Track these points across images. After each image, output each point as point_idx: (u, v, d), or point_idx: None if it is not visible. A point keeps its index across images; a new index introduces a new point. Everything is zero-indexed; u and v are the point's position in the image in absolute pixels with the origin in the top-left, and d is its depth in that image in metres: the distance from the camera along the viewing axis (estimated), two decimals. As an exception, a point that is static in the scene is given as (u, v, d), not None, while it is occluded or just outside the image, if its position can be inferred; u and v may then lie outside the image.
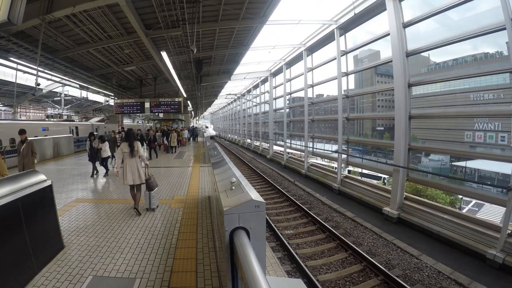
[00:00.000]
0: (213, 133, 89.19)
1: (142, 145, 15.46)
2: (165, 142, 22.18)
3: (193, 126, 45.84)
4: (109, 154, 13.48)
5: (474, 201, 27.52)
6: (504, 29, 9.44)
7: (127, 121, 52.37)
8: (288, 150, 30.76)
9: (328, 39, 20.51)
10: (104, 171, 13.07)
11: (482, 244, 9.82)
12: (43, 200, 4.78)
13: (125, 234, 5.91)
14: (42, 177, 4.86)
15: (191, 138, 34.99)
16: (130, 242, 5.55)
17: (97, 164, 12.97)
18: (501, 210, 10.93)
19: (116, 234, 5.93)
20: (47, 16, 10.06)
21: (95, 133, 23.35)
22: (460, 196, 25.74)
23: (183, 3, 11.07)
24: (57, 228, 5.13)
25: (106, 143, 13.13)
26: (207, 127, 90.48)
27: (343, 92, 19.11)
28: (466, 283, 8.04)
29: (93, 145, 12.93)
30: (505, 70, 9.94)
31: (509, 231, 9.26)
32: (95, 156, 12.78)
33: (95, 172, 12.80)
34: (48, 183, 4.91)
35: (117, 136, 16.58)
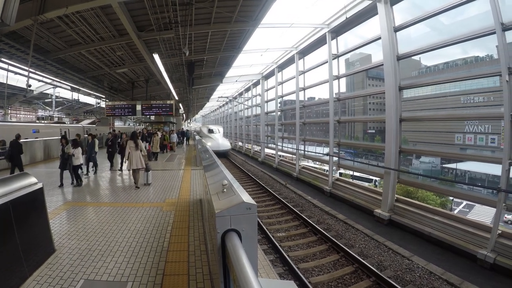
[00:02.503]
0: (226, 145, 39.03)
1: (114, 152, 15.30)
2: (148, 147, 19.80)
3: (182, 128, 44.25)
4: (82, 161, 11.71)
5: (464, 202, 27.89)
6: (494, 33, 9.60)
7: (118, 124, 51.66)
8: (279, 153, 30.82)
9: (320, 42, 20.64)
10: (78, 180, 11.13)
11: (473, 244, 9.96)
12: (34, 203, 4.74)
13: (117, 237, 5.88)
14: (32, 179, 4.82)
15: (183, 141, 34.68)
16: (122, 245, 5.53)
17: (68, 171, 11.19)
18: (491, 211, 11.09)
19: (107, 237, 5.90)
20: (40, 17, 10.01)
21: (85, 135, 23.05)
22: (451, 198, 26.04)
23: (175, 5, 11.06)
24: (48, 232, 5.10)
25: (79, 149, 11.41)
26: (211, 130, 41.28)
27: (334, 95, 19.21)
28: (458, 283, 8.14)
29: (65, 150, 11.32)
30: (495, 74, 10.09)
31: (500, 232, 9.40)
32: (66, 163, 11.09)
33: (73, 181, 11.13)
34: (39, 185, 4.87)
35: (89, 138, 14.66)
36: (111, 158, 15.46)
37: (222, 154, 33.70)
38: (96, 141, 15.03)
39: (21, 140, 15.32)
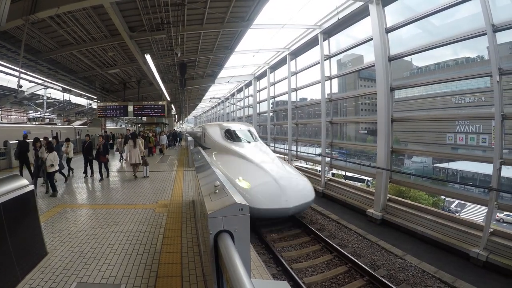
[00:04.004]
0: (305, 190, 12.50)
1: (90, 157, 12.92)
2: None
3: (174, 129, 43.21)
4: (57, 168, 10.10)
5: (456, 201, 28.14)
6: (485, 34, 9.71)
7: (110, 125, 50.89)
8: (272, 154, 30.63)
9: (312, 43, 20.70)
10: (54, 189, 9.78)
11: (465, 243, 10.06)
12: (25, 205, 4.71)
13: (109, 240, 5.86)
14: (24, 181, 4.78)
15: (175, 143, 34.22)
16: (114, 247, 5.50)
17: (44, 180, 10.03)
18: (483, 209, 11.21)
19: (100, 239, 5.87)
20: (31, 17, 9.90)
21: (77, 137, 22.67)
22: (443, 197, 26.25)
23: (168, 6, 11.06)
24: (40, 234, 5.06)
25: (55, 153, 9.88)
26: (235, 135, 17.41)
27: (326, 96, 19.29)
28: (451, 281, 8.21)
29: (39, 154, 10.07)
30: (486, 74, 10.22)
31: (491, 230, 9.51)
32: (40, 169, 9.70)
33: (48, 190, 9.78)
34: (30, 188, 4.84)
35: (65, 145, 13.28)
36: (87, 164, 13.16)
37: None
38: (71, 145, 13.54)
39: (12, 142, 15.26)
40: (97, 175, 12.93)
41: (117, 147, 20.81)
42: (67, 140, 13.59)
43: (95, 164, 13.06)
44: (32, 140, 11.43)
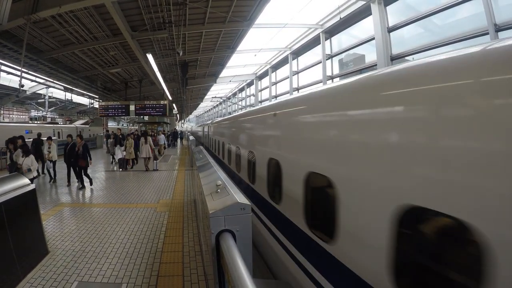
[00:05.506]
0: None
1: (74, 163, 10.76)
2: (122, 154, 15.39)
3: (175, 129, 42.56)
4: (35, 174, 8.89)
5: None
6: (487, 34, 9.68)
7: (111, 124, 50.73)
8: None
9: (313, 43, 20.65)
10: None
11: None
12: (26, 204, 4.71)
13: (111, 239, 5.85)
14: (25, 180, 4.79)
15: (175, 143, 33.93)
16: (116, 246, 5.49)
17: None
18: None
19: (101, 238, 5.86)
20: (32, 16, 9.95)
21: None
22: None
23: (169, 5, 11.06)
24: (41, 233, 5.07)
25: (32, 157, 8.76)
26: None
27: (328, 96, 19.24)
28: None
29: (14, 158, 9.08)
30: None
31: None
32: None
33: None
34: (32, 187, 4.84)
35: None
36: (69, 170, 11.21)
37: None
38: (54, 146, 12.05)
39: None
40: (76, 183, 10.96)
41: (108, 146, 20.59)
42: (49, 138, 12.10)
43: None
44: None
